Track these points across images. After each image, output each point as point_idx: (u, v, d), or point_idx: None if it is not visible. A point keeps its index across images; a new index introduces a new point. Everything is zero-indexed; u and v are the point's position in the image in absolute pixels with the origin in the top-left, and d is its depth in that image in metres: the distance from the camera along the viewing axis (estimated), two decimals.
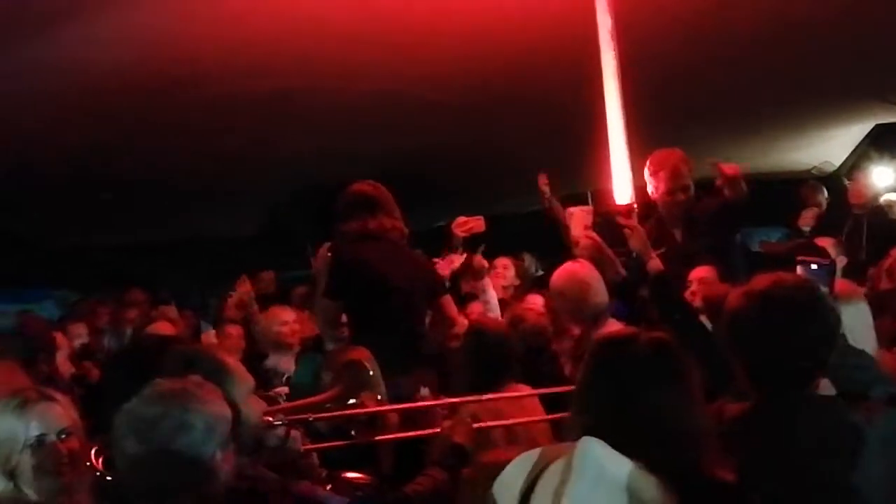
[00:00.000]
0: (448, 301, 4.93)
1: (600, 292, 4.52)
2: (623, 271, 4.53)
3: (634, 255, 4.48)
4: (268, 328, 5.83)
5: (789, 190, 8.67)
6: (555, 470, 1.97)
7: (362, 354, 3.68)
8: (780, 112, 7.50)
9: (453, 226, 5.45)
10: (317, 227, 5.87)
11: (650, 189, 4.93)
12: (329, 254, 4.78)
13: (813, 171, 9.48)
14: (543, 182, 6.18)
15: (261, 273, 8.61)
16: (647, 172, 4.89)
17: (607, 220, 4.66)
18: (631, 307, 4.71)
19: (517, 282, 6.57)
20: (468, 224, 5.44)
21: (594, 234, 4.49)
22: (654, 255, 3.84)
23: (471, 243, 5.59)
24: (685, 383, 2.17)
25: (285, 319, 5.89)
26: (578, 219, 4.53)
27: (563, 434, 2.81)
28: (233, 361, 2.66)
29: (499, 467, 2.42)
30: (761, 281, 2.50)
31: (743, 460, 2.22)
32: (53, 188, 7.01)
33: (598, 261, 4.52)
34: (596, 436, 2.02)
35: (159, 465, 2.20)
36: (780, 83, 6.55)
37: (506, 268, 6.56)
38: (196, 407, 2.24)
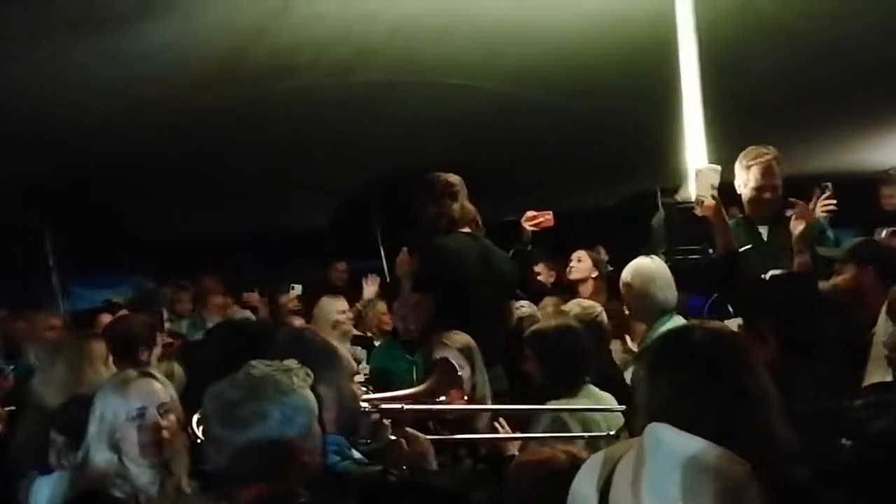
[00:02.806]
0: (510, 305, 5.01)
1: (668, 288, 4.52)
2: (734, 245, 4.49)
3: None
4: (326, 317, 6.00)
5: (864, 190, 8.55)
6: (627, 461, 1.99)
7: (465, 339, 3.76)
8: (856, 111, 7.37)
9: (522, 220, 5.46)
10: (392, 217, 5.96)
11: (738, 183, 4.82)
12: (411, 250, 4.84)
13: (890, 172, 9.29)
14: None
15: (334, 264, 8.77)
16: (738, 166, 4.78)
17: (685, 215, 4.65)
18: (712, 300, 4.69)
19: (594, 273, 6.49)
20: (537, 219, 5.45)
21: (718, 196, 4.40)
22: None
23: (540, 239, 5.61)
24: (750, 376, 2.12)
25: (342, 308, 6.13)
26: (705, 178, 4.46)
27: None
28: (340, 346, 2.72)
29: (542, 464, 2.44)
30: None
31: None
32: (134, 176, 7.17)
33: (715, 225, 4.47)
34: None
35: (236, 449, 2.27)
36: (856, 81, 6.45)
37: (580, 260, 6.53)
38: (275, 396, 2.29)
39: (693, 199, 4.45)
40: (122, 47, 4.78)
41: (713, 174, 4.42)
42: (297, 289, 7.55)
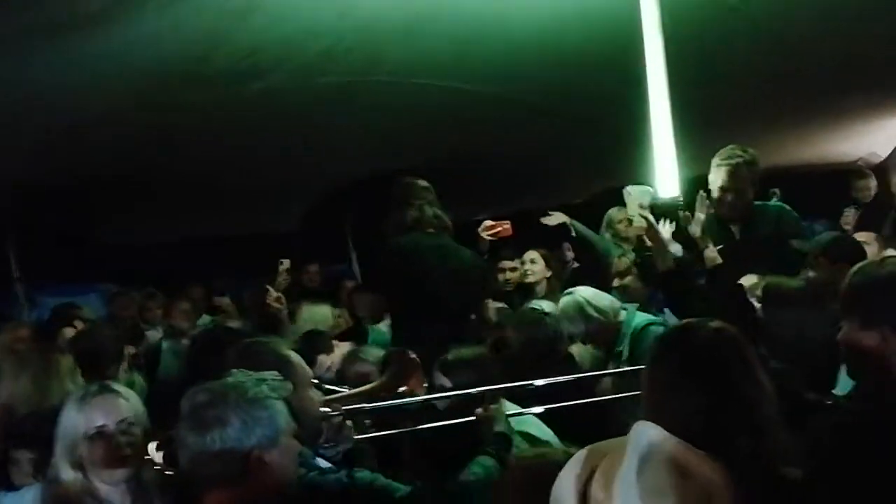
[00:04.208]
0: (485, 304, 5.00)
1: (600, 299, 4.74)
2: (672, 263, 4.49)
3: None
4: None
5: (834, 182, 8.64)
6: (611, 456, 1.98)
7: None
8: (825, 103, 7.42)
9: (480, 229, 5.47)
10: (362, 219, 5.95)
11: (711, 181, 4.81)
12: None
13: (858, 164, 9.38)
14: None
15: (306, 266, 8.72)
16: (712, 163, 4.81)
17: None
18: (672, 301, 4.70)
19: (548, 273, 6.52)
20: (495, 229, 5.46)
21: (649, 215, 4.36)
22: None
23: (500, 247, 5.61)
24: (748, 376, 2.16)
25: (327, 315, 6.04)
26: (635, 198, 4.43)
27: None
28: (293, 353, 2.71)
29: (540, 462, 2.43)
30: None
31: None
32: (99, 183, 7.10)
33: (652, 243, 4.42)
34: (659, 422, 2.04)
35: (196, 453, 2.29)
36: (825, 73, 6.49)
37: (533, 262, 6.54)
38: (238, 403, 2.29)
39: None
40: (86, 52, 4.71)
41: (642, 194, 4.41)
42: (286, 263, 7.47)
